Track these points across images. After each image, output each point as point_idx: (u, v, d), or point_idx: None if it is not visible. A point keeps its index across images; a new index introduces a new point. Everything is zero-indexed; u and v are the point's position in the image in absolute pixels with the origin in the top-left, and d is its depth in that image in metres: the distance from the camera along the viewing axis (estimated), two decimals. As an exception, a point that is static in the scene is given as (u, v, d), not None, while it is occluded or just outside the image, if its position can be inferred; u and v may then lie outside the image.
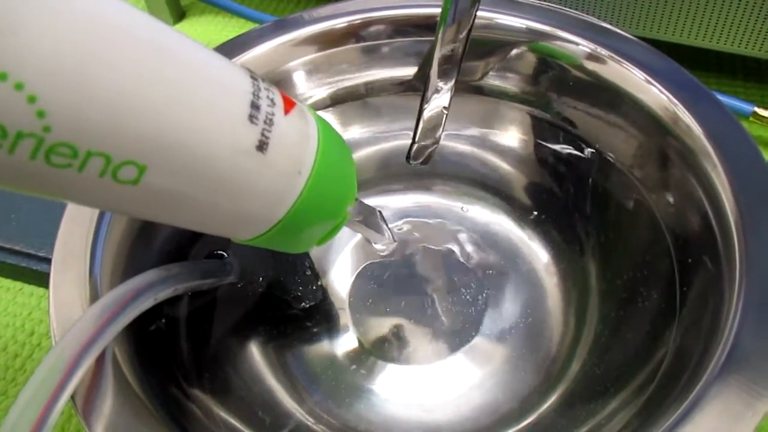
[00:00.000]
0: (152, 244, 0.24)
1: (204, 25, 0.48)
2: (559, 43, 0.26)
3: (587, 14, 0.27)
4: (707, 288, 0.21)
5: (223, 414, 0.22)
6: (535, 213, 0.29)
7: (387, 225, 0.24)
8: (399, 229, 0.29)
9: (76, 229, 0.22)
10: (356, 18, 0.28)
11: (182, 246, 0.25)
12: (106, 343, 0.18)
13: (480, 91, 0.29)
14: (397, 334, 0.26)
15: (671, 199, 0.24)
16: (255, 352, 0.26)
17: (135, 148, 0.13)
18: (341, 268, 0.28)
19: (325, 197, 0.18)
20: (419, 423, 0.24)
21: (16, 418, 0.15)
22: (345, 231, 0.29)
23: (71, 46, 0.12)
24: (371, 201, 0.30)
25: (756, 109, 0.34)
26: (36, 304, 0.33)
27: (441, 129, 0.25)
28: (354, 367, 0.26)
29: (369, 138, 0.30)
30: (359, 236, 0.29)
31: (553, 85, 0.27)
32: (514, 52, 0.27)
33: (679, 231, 0.23)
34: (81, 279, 0.21)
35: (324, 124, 0.18)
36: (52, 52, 0.12)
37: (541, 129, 0.28)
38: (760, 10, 0.32)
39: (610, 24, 0.26)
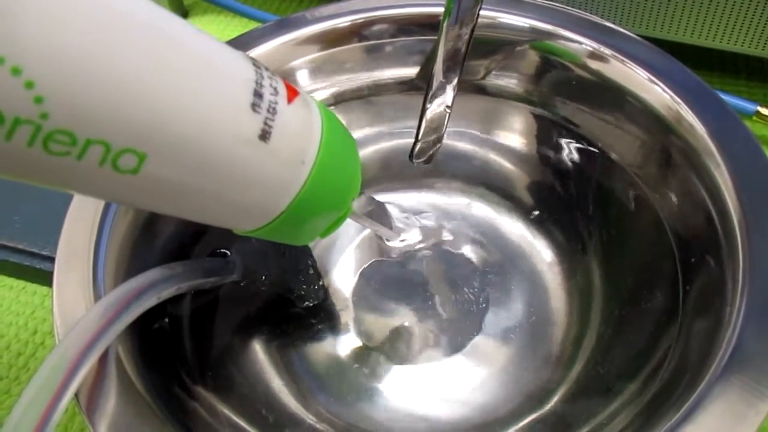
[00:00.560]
0: (155, 242, 0.24)
1: (207, 25, 0.48)
2: (562, 42, 0.26)
3: (590, 13, 0.27)
4: (710, 287, 0.21)
5: (227, 412, 0.23)
6: (538, 212, 0.29)
7: (391, 217, 0.24)
8: (397, 225, 0.29)
9: (79, 228, 0.22)
10: (359, 17, 0.28)
11: (185, 245, 0.25)
12: (109, 341, 0.18)
13: (483, 90, 0.29)
14: (400, 332, 0.26)
15: (674, 199, 0.24)
16: (258, 350, 0.26)
17: (135, 136, 0.13)
18: (344, 268, 0.28)
19: (329, 187, 0.18)
20: (422, 422, 0.24)
21: (19, 417, 0.15)
22: (348, 230, 0.29)
23: (70, 31, 0.12)
24: (374, 200, 0.30)
25: (759, 108, 0.34)
26: (39, 302, 0.33)
27: (444, 128, 0.25)
28: (357, 365, 0.26)
29: (372, 137, 0.30)
30: (362, 235, 0.29)
31: (556, 85, 0.27)
32: (517, 51, 0.27)
33: (682, 230, 0.23)
34: (84, 278, 0.21)
35: (328, 114, 0.18)
36: (51, 36, 0.11)
37: (544, 128, 0.28)
38: (763, 10, 0.32)
39: (613, 23, 0.26)
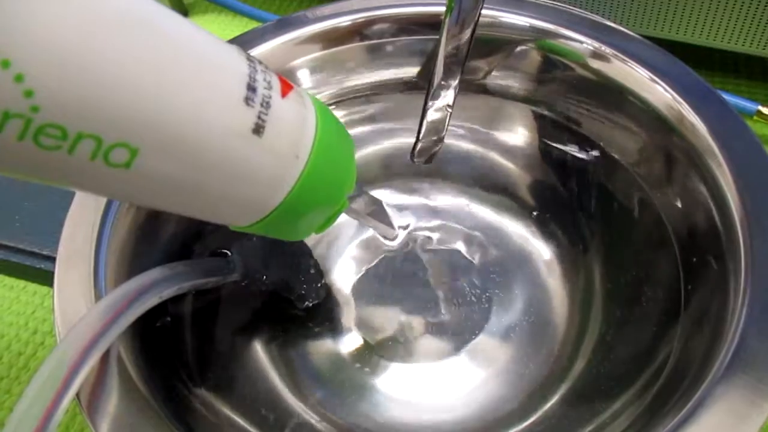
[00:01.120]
0: (156, 242, 0.24)
1: (207, 24, 0.48)
2: (563, 41, 0.26)
3: (592, 13, 0.27)
4: (712, 287, 0.21)
5: (228, 411, 0.22)
6: (540, 212, 0.29)
7: (387, 213, 0.24)
8: (398, 225, 0.29)
9: (80, 228, 0.22)
10: (360, 16, 0.28)
11: (186, 244, 0.25)
12: (110, 341, 0.18)
13: (484, 89, 0.29)
14: (401, 332, 0.26)
15: (676, 198, 0.24)
16: (259, 350, 0.26)
17: (126, 130, 0.13)
18: (345, 267, 0.28)
19: (324, 182, 0.17)
20: (423, 421, 0.24)
21: (20, 416, 0.15)
22: (348, 230, 0.29)
23: (60, 24, 0.11)
24: (375, 200, 0.30)
25: (760, 107, 0.34)
26: (40, 302, 0.33)
27: (445, 128, 0.25)
28: (358, 365, 0.26)
29: (373, 136, 0.30)
30: (362, 235, 0.29)
31: (558, 84, 0.27)
32: (519, 50, 0.27)
33: (683, 230, 0.23)
34: (85, 277, 0.21)
35: (322, 108, 0.18)
36: (41, 30, 0.11)
37: (545, 127, 0.28)
38: (764, 10, 0.32)
39: (615, 22, 0.26)
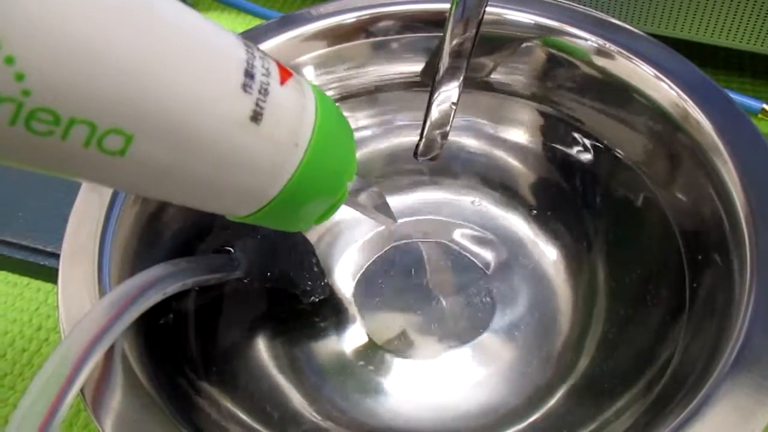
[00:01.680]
0: (160, 239, 0.24)
1: (210, 22, 0.48)
2: (567, 38, 0.26)
3: (596, 10, 0.27)
4: (717, 285, 0.21)
5: (232, 408, 0.22)
6: (544, 209, 0.29)
7: (387, 203, 0.24)
8: (402, 222, 0.29)
9: (84, 224, 0.22)
10: (365, 13, 0.28)
11: (190, 241, 0.25)
12: (114, 337, 0.18)
13: (488, 86, 0.29)
14: (405, 330, 0.26)
15: (681, 196, 0.23)
16: (263, 347, 0.26)
17: (120, 116, 0.13)
18: (350, 264, 0.28)
19: (324, 171, 0.17)
20: (426, 419, 0.24)
21: (24, 413, 0.15)
22: (352, 226, 0.29)
23: (52, 5, 0.11)
24: (378, 197, 0.30)
25: (765, 106, 0.34)
26: (43, 299, 0.33)
27: (449, 125, 0.25)
28: (362, 362, 0.26)
29: (377, 133, 0.30)
30: (366, 232, 0.29)
31: (562, 81, 0.27)
32: (523, 47, 0.27)
33: (688, 228, 0.23)
34: (89, 274, 0.21)
35: (322, 96, 0.18)
36: (32, 11, 0.11)
37: (549, 125, 0.28)
38: (770, 7, 0.32)
39: (620, 20, 0.26)
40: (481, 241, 0.29)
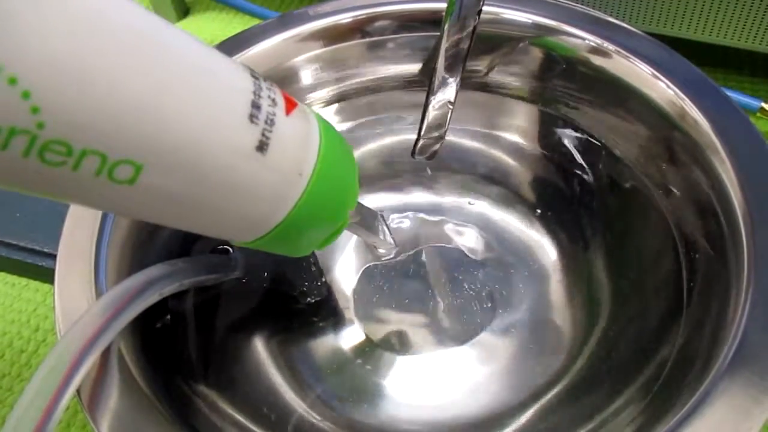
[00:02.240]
0: (157, 239, 0.24)
1: (208, 22, 0.48)
2: (565, 38, 0.26)
3: (594, 9, 0.27)
4: (715, 284, 0.21)
5: (229, 409, 0.22)
6: (542, 209, 0.29)
7: (389, 228, 0.24)
8: (400, 222, 0.29)
9: (81, 225, 0.22)
10: (361, 13, 0.28)
11: (187, 241, 0.25)
12: (111, 338, 0.18)
13: (485, 86, 0.29)
14: (403, 329, 0.26)
15: (678, 195, 0.23)
16: (260, 347, 0.26)
17: (132, 147, 0.13)
18: (347, 264, 0.28)
19: (327, 200, 0.17)
20: (424, 418, 0.24)
21: (20, 414, 0.15)
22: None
23: (67, 41, 0.12)
24: (376, 197, 0.30)
25: (763, 104, 0.34)
26: (41, 300, 0.33)
27: (446, 124, 0.25)
28: (359, 362, 0.26)
29: (374, 133, 0.30)
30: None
31: (560, 80, 0.27)
32: (520, 47, 0.27)
33: (686, 226, 0.23)
34: (86, 274, 0.21)
35: (326, 125, 0.18)
36: (48, 46, 0.11)
37: (547, 124, 0.28)
38: None
39: (617, 19, 0.26)
40: (478, 241, 0.28)
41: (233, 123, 0.15)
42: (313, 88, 0.29)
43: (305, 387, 0.25)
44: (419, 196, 0.30)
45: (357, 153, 0.30)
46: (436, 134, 0.25)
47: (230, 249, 0.24)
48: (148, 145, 0.13)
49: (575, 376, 0.24)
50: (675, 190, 0.24)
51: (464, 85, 0.25)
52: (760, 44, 0.34)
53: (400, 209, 0.30)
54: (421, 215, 0.30)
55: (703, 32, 0.34)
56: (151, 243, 0.24)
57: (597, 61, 0.26)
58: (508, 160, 0.30)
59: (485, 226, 0.29)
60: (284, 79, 0.28)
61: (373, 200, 0.30)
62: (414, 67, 0.29)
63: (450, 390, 0.25)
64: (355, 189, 0.19)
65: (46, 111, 0.12)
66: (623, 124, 0.26)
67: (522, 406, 0.24)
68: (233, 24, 0.48)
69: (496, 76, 0.28)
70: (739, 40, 0.34)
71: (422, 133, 0.25)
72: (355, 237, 0.29)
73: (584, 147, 0.27)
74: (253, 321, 0.26)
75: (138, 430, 0.18)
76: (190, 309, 0.25)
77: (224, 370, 0.24)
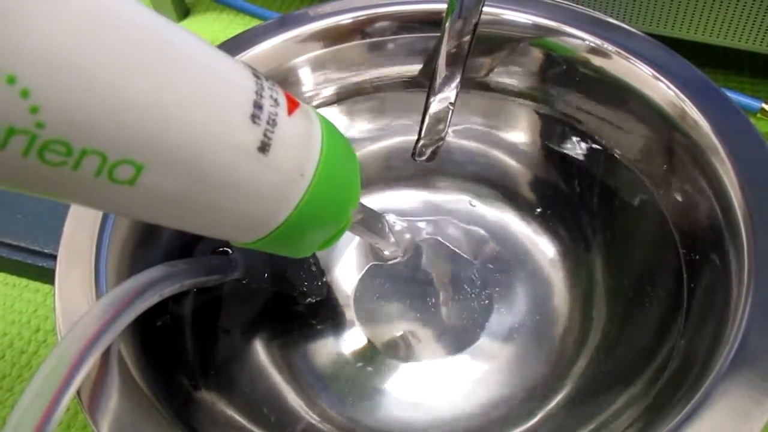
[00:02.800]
0: (158, 240, 0.24)
1: (209, 23, 0.48)
2: (565, 38, 0.26)
3: (594, 10, 0.27)
4: (715, 285, 0.21)
5: (229, 411, 0.22)
6: (542, 209, 0.29)
7: (392, 230, 0.24)
8: (400, 223, 0.29)
9: (81, 226, 0.22)
10: (362, 14, 0.28)
11: (188, 242, 0.25)
12: (111, 339, 0.18)
13: (486, 87, 0.29)
14: (404, 331, 0.26)
15: (678, 196, 0.23)
16: (260, 348, 0.26)
17: (132, 147, 0.13)
18: (347, 265, 0.28)
19: (328, 201, 0.17)
20: (425, 420, 0.24)
21: (21, 415, 0.15)
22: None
23: (67, 40, 0.11)
24: (376, 198, 0.30)
25: (763, 105, 0.34)
26: (42, 300, 0.33)
27: (447, 125, 0.25)
28: (360, 364, 0.26)
29: (374, 134, 0.30)
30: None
31: (560, 81, 0.27)
32: (521, 48, 0.27)
33: (686, 227, 0.23)
34: (86, 275, 0.21)
35: (328, 126, 0.18)
36: (47, 45, 0.11)
37: (547, 125, 0.28)
38: (768, 6, 0.32)
39: (617, 19, 0.26)
40: (479, 242, 0.28)
41: (235, 123, 0.15)
42: (314, 88, 0.29)
43: (305, 388, 0.25)
44: (420, 197, 0.30)
45: (357, 153, 0.30)
46: (436, 135, 0.25)
47: (230, 250, 0.24)
48: (149, 145, 0.13)
49: (575, 378, 0.24)
50: (675, 191, 0.24)
51: (464, 85, 0.25)
52: (760, 45, 0.34)
53: (401, 210, 0.30)
54: (422, 216, 0.30)
55: (704, 33, 0.34)
56: (152, 244, 0.24)
57: (597, 61, 0.26)
58: (509, 161, 0.30)
59: (486, 227, 0.29)
60: (285, 80, 0.28)
61: (373, 201, 0.30)
62: (414, 68, 0.29)
63: (450, 392, 0.25)
64: (358, 189, 0.19)
65: (46, 110, 0.12)
66: (623, 125, 0.26)
67: (523, 408, 0.24)
68: (234, 25, 0.48)
69: (497, 77, 0.28)
70: (739, 41, 0.34)
71: (422, 133, 0.25)
72: (356, 238, 0.29)
73: (584, 148, 0.27)
74: (254, 322, 0.26)
75: (138, 430, 0.18)
76: (190, 310, 0.25)
77: (224, 371, 0.24)
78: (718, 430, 0.16)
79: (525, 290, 0.27)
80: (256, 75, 0.16)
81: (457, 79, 0.24)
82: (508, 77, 0.28)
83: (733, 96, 0.34)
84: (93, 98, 0.12)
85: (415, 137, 0.25)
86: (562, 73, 0.27)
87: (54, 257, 0.21)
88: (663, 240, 0.24)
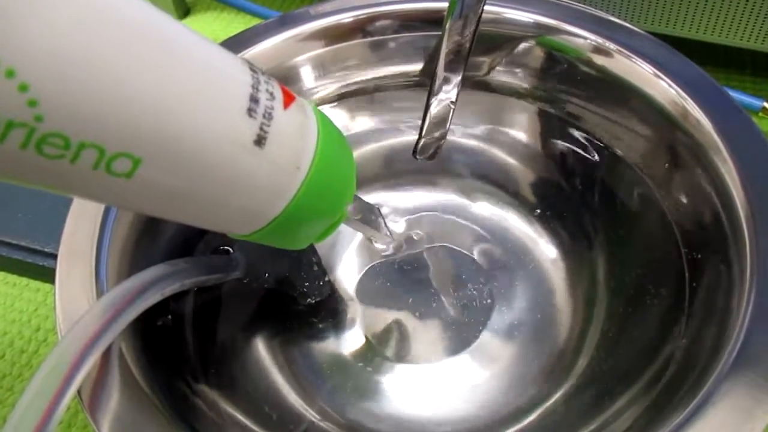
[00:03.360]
0: (159, 239, 0.24)
1: (209, 22, 0.48)
2: (566, 37, 0.26)
3: (595, 8, 0.27)
4: (717, 284, 0.21)
5: (230, 410, 0.22)
6: (543, 209, 0.29)
7: (385, 222, 0.24)
8: (401, 222, 0.29)
9: (82, 225, 0.22)
10: (362, 13, 0.28)
11: (189, 241, 0.25)
12: (112, 338, 0.18)
13: (487, 86, 0.28)
14: (404, 330, 0.26)
15: (680, 195, 0.23)
16: (261, 348, 0.26)
17: (130, 141, 0.13)
18: (348, 265, 0.28)
19: (324, 194, 0.18)
20: (425, 419, 0.24)
21: (21, 414, 0.15)
22: (351, 228, 0.29)
23: (66, 34, 0.11)
24: (377, 196, 0.30)
25: (765, 104, 0.34)
26: (42, 299, 0.33)
27: (448, 124, 0.25)
28: (361, 363, 0.25)
29: (376, 133, 0.30)
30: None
31: (561, 80, 0.27)
32: (522, 46, 0.27)
33: (688, 227, 0.23)
34: (87, 274, 0.21)
35: (324, 119, 0.18)
36: (45, 39, 0.11)
37: (548, 124, 0.28)
38: (769, 5, 0.32)
39: (619, 18, 0.26)
40: (480, 241, 0.28)
41: (231, 116, 0.15)
42: (314, 87, 0.29)
43: (307, 387, 0.25)
44: (420, 196, 0.30)
45: (358, 152, 0.30)
46: (437, 134, 0.25)
47: (231, 249, 0.24)
48: (146, 138, 0.13)
49: (576, 377, 0.24)
50: (677, 190, 0.24)
51: (466, 84, 0.25)
52: (762, 44, 0.34)
53: (401, 209, 0.30)
54: (423, 215, 0.30)
55: (705, 32, 0.34)
56: (152, 243, 0.24)
57: (599, 60, 0.26)
58: (510, 160, 0.29)
59: (487, 226, 0.29)
60: (285, 79, 0.28)
61: (374, 199, 0.29)
62: (415, 67, 0.29)
63: (451, 391, 0.25)
64: (353, 182, 0.19)
65: (44, 104, 0.12)
66: (625, 124, 0.26)
67: (523, 407, 0.24)
68: (234, 24, 0.48)
69: (498, 76, 0.28)
70: (741, 40, 0.34)
71: (423, 132, 0.25)
72: (357, 237, 0.29)
73: (586, 146, 0.27)
74: (254, 321, 0.26)
75: (139, 430, 0.18)
76: (191, 309, 0.25)
77: (225, 370, 0.24)
78: (720, 429, 0.16)
79: (526, 289, 0.27)
80: (252, 69, 0.16)
81: (458, 78, 0.24)
82: (510, 76, 0.28)
83: (735, 95, 0.34)
84: (91, 92, 0.12)
85: (417, 135, 0.25)
86: (563, 71, 0.27)
87: (54, 256, 0.21)
88: (664, 239, 0.24)
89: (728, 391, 0.17)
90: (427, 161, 0.26)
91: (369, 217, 0.23)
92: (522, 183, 0.29)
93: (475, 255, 0.28)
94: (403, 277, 0.28)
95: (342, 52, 0.28)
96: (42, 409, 0.15)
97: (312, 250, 0.26)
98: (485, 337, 0.26)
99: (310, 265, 0.25)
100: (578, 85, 0.27)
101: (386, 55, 0.29)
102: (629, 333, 0.24)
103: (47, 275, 0.28)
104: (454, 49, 0.24)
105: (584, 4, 0.27)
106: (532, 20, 0.27)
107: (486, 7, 0.23)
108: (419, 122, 0.25)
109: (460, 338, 0.26)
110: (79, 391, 0.18)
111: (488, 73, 0.28)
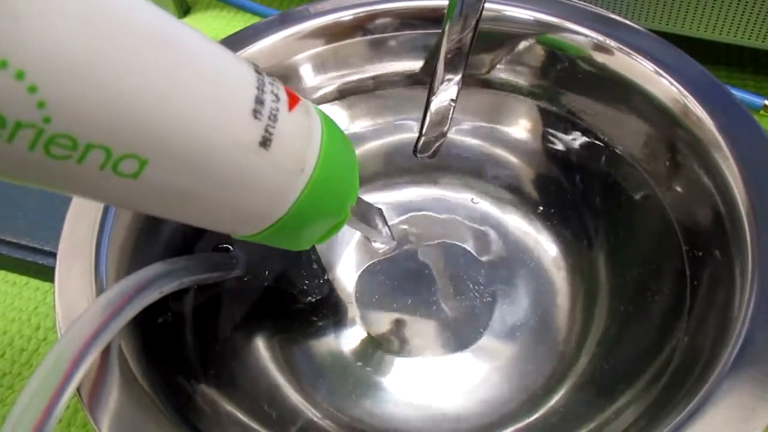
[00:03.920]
0: (158, 237, 0.24)
1: (209, 20, 0.48)
2: (567, 35, 0.26)
3: (596, 6, 0.27)
4: (718, 282, 0.20)
5: (230, 408, 0.22)
6: (544, 207, 0.29)
7: (387, 223, 0.24)
8: (402, 220, 0.29)
9: (81, 223, 0.22)
10: (362, 11, 0.28)
11: (188, 239, 0.25)
12: (111, 336, 0.18)
13: (488, 84, 0.28)
14: (405, 329, 0.26)
15: (681, 192, 0.23)
16: (261, 346, 0.26)
17: (136, 142, 0.13)
18: (348, 263, 0.28)
19: (328, 195, 0.18)
20: (426, 418, 0.24)
21: (20, 412, 0.15)
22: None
23: (73, 35, 0.12)
24: (378, 195, 0.30)
25: (766, 102, 0.34)
26: (42, 298, 0.33)
27: (448, 122, 0.25)
28: (360, 362, 0.25)
29: (376, 131, 0.30)
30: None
31: (562, 78, 0.27)
32: (522, 44, 0.27)
33: (689, 224, 0.23)
34: (86, 272, 0.21)
35: (328, 121, 0.18)
36: (54, 40, 0.11)
37: (549, 122, 0.28)
38: (770, 2, 0.31)
39: (619, 16, 0.26)
40: (481, 239, 0.28)
41: (237, 118, 0.15)
42: (314, 85, 0.29)
43: (306, 385, 0.25)
44: (421, 194, 0.30)
45: (358, 151, 0.30)
46: (437, 132, 0.25)
47: (231, 247, 0.24)
48: (153, 140, 0.13)
49: (577, 375, 0.24)
50: (678, 188, 0.24)
51: (466, 82, 0.24)
52: (763, 42, 0.33)
53: (402, 207, 0.30)
54: (424, 213, 0.29)
55: (707, 29, 0.34)
56: (152, 241, 0.24)
57: (599, 58, 0.26)
58: (511, 158, 0.29)
59: (487, 224, 0.29)
60: (285, 77, 0.28)
61: (374, 198, 0.29)
62: (415, 65, 0.29)
63: (451, 390, 0.25)
64: (356, 184, 0.19)
65: (52, 105, 0.12)
66: (626, 122, 0.26)
67: (524, 406, 0.24)
68: (234, 22, 0.48)
69: (498, 74, 0.28)
70: (742, 38, 0.34)
71: (424, 130, 0.25)
72: (357, 235, 0.29)
73: (587, 144, 0.27)
74: (254, 319, 0.26)
75: (138, 428, 0.18)
76: (191, 307, 0.24)
77: (225, 368, 0.24)
78: (722, 427, 0.16)
79: (527, 287, 0.27)
80: (257, 70, 0.16)
81: (459, 76, 0.24)
82: (510, 74, 0.28)
83: (736, 93, 0.34)
84: (98, 94, 0.12)
85: (417, 134, 0.25)
86: (564, 69, 0.27)
87: (54, 255, 0.21)
88: (666, 237, 0.23)
89: (730, 389, 0.17)
90: (428, 159, 0.26)
91: (371, 218, 0.23)
92: (523, 181, 0.29)
93: (476, 253, 0.28)
94: (403, 275, 0.28)
95: (342, 50, 0.28)
96: (41, 408, 0.15)
97: (311, 248, 0.26)
98: (486, 334, 0.26)
99: (310, 263, 0.25)
100: (579, 82, 0.27)
101: (386, 53, 0.29)
102: (630, 331, 0.24)
103: (47, 274, 0.29)
104: (454, 48, 0.23)
105: (585, 1, 0.27)
106: (532, 18, 0.27)
107: (487, 5, 0.23)
108: (419, 120, 0.25)
109: (461, 336, 0.26)
110: (78, 390, 0.18)
111: (489, 71, 0.28)
